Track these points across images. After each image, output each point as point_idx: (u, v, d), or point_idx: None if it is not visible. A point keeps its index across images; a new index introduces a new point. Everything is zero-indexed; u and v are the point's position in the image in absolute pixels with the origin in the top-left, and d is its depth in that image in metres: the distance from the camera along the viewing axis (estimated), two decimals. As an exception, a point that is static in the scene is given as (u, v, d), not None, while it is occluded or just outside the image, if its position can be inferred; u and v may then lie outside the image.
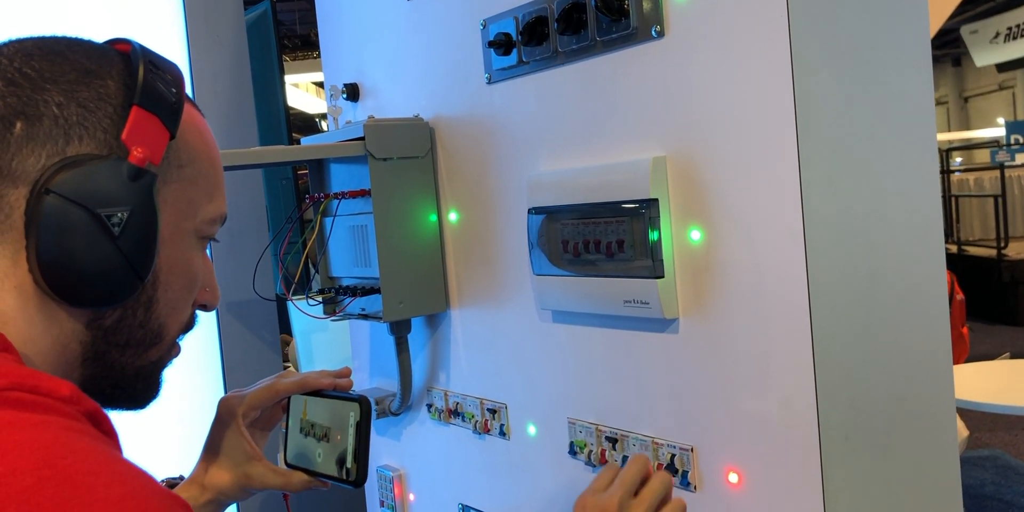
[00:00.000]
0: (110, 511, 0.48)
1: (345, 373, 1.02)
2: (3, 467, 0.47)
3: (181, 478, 0.98)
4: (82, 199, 0.62)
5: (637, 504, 0.91)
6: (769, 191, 0.92)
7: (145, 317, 0.69)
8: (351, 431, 0.94)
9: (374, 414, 1.51)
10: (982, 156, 13.38)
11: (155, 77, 0.67)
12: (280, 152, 1.40)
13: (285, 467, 1.00)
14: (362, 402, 0.94)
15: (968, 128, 16.94)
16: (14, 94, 0.63)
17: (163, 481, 0.97)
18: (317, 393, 1.00)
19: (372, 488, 1.66)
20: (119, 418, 0.69)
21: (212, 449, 0.96)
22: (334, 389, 1.00)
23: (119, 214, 0.64)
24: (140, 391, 0.72)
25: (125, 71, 0.67)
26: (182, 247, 0.71)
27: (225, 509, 0.97)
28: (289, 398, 1.02)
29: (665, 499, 0.94)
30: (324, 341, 2.05)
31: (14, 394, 0.53)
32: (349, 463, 0.93)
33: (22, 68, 0.64)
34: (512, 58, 1.22)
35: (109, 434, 0.58)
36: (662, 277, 1.02)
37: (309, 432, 0.99)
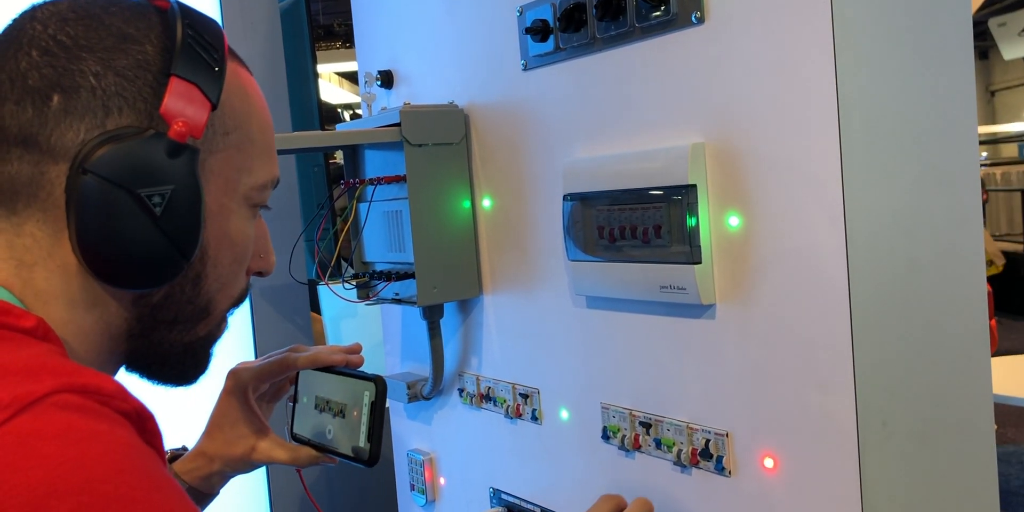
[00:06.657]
0: None
1: (356, 349, 1.01)
2: (46, 487, 0.46)
3: (184, 449, 0.97)
4: (121, 179, 0.60)
5: None
6: (810, 178, 0.92)
7: (193, 293, 0.67)
8: (365, 410, 0.93)
9: (405, 398, 1.53)
10: (1009, 150, 13.19)
11: (194, 41, 0.64)
12: (317, 137, 1.42)
13: (292, 441, 1.00)
14: (378, 382, 0.94)
15: (994, 122, 16.69)
16: (49, 64, 0.60)
17: (167, 452, 0.95)
18: (329, 369, 0.98)
19: (403, 472, 1.68)
20: (155, 395, 0.68)
21: (219, 421, 0.95)
22: (346, 365, 0.99)
23: (160, 194, 0.61)
24: (189, 367, 0.72)
25: (164, 34, 0.63)
26: (231, 218, 0.69)
27: (229, 481, 0.97)
28: (298, 372, 1.00)
29: None
30: (355, 326, 2.07)
31: (62, 397, 0.51)
32: (362, 442, 0.92)
33: (56, 35, 0.61)
34: (549, 45, 1.22)
35: (153, 434, 0.56)
36: (699, 263, 1.02)
37: (321, 408, 0.98)
